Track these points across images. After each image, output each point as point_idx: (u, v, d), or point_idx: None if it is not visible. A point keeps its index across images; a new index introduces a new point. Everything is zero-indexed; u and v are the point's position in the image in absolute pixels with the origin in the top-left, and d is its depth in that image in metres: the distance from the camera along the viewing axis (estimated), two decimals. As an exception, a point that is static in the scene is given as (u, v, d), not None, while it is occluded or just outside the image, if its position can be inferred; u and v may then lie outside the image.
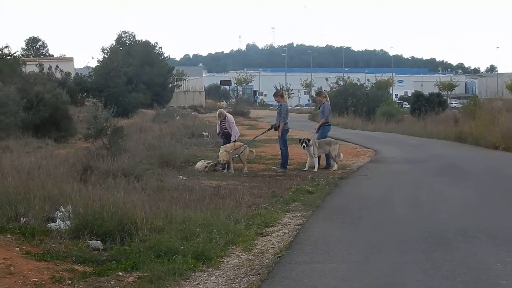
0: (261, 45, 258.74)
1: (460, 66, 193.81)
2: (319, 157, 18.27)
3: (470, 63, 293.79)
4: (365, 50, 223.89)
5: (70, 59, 70.25)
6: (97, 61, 60.35)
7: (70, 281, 7.01)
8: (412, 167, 18.70)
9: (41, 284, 6.84)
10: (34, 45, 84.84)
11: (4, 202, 9.37)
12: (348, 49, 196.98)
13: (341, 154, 19.01)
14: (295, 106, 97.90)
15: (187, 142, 25.65)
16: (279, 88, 69.38)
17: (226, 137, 19.52)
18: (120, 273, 7.37)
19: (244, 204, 11.65)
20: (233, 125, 19.52)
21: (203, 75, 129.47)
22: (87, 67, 58.05)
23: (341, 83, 62.55)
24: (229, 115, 20.00)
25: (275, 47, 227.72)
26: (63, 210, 9.29)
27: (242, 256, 8.38)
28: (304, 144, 17.98)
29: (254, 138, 21.44)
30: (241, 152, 18.08)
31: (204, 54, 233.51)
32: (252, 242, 9.09)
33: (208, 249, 8.18)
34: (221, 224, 9.44)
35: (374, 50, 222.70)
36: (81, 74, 56.33)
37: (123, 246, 8.33)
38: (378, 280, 7.04)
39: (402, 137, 34.03)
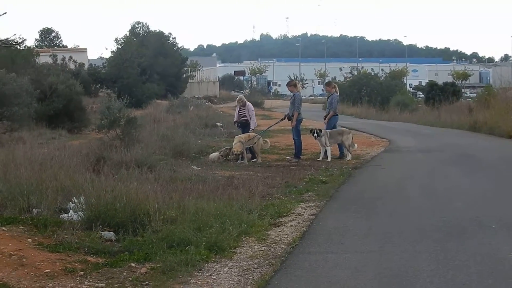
0: (275, 35, 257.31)
1: (475, 55, 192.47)
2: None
3: (484, 53, 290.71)
4: (379, 39, 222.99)
5: (84, 50, 70.18)
6: (111, 52, 60.66)
7: (82, 272, 7.00)
8: (426, 157, 18.63)
9: (54, 276, 6.84)
10: (48, 36, 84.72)
11: (17, 193, 9.39)
12: (362, 38, 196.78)
13: (355, 144, 18.91)
14: (309, 96, 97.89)
15: (201, 133, 25.59)
16: (293, 78, 69.30)
17: (242, 125, 19.39)
18: (133, 264, 7.36)
19: (258, 194, 11.58)
20: (253, 113, 19.32)
21: (217, 65, 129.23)
22: (101, 58, 58.49)
23: (355, 73, 62.39)
24: (249, 103, 19.78)
25: (289, 37, 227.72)
26: (75, 201, 9.29)
27: (255, 247, 8.33)
28: (315, 135, 17.90)
29: (268, 128, 21.37)
30: (255, 143, 18.04)
31: (218, 44, 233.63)
32: (266, 232, 9.05)
33: (221, 240, 8.14)
34: (234, 215, 9.40)
35: (388, 40, 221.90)
36: (95, 65, 56.45)
37: (135, 237, 8.32)
38: (392, 271, 6.99)
39: (416, 126, 33.94)
